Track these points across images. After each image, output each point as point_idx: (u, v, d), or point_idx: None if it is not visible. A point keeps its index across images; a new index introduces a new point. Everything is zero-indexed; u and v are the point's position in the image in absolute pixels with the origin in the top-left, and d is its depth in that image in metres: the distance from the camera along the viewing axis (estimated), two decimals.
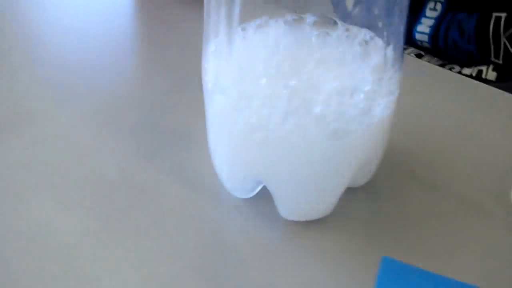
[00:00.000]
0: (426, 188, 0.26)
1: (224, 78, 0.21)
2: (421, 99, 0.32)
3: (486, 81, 0.45)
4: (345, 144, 0.21)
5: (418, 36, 0.48)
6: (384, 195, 0.26)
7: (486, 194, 0.26)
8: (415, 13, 0.47)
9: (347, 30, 0.21)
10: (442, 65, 0.47)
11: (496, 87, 0.44)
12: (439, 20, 0.47)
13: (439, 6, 0.46)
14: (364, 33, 0.21)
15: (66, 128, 0.29)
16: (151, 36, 0.39)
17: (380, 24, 0.21)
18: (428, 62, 0.48)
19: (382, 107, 0.21)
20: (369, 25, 0.21)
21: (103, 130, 0.29)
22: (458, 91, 0.34)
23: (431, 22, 0.47)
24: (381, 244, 0.23)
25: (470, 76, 0.45)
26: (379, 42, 0.21)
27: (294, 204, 0.23)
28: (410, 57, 0.45)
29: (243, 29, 0.21)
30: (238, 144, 0.22)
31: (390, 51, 0.21)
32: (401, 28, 0.21)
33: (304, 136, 0.20)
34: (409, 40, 0.49)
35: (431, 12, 0.47)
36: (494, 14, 0.44)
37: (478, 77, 0.45)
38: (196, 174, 0.26)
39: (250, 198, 0.25)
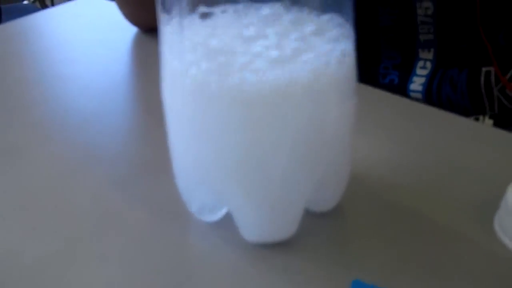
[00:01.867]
0: (399, 214, 0.25)
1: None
2: (401, 133, 0.32)
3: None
4: (301, 153, 0.21)
5: (412, 94, 0.49)
6: (355, 219, 0.24)
7: (467, 221, 0.24)
8: (406, 72, 0.49)
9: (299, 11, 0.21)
10: None
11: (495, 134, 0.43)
12: (430, 78, 0.48)
13: (428, 64, 0.48)
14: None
15: (43, 160, 0.30)
16: (131, 76, 0.41)
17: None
18: None
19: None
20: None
21: (79, 162, 0.30)
22: (439, 125, 0.33)
23: (422, 80, 0.48)
24: (350, 269, 0.22)
25: None
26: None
27: (252, 225, 0.22)
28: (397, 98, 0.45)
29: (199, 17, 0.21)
30: (195, 163, 0.22)
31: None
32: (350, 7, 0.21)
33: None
34: (405, 96, 0.50)
35: (422, 70, 0.48)
36: (484, 69, 0.45)
37: None
38: (164, 201, 0.26)
39: (217, 222, 0.24)
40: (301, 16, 0.21)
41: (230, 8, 0.21)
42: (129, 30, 0.47)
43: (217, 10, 0.21)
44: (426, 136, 0.31)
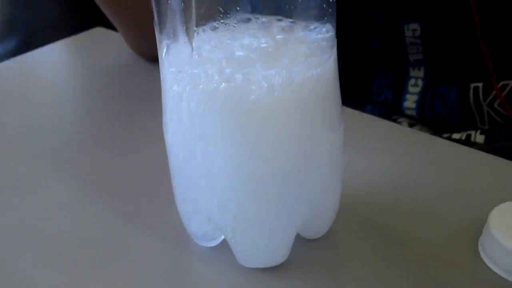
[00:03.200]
0: (389, 238, 0.26)
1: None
2: (390, 158, 0.34)
3: (475, 144, 0.46)
4: (295, 178, 0.22)
5: (406, 111, 0.51)
6: (346, 245, 0.26)
7: (455, 245, 0.26)
8: (399, 90, 0.51)
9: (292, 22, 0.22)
10: (434, 133, 0.49)
11: (485, 149, 0.45)
12: (422, 95, 0.49)
13: (420, 82, 0.50)
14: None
15: (55, 192, 0.32)
16: (136, 111, 0.43)
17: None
18: (420, 130, 0.50)
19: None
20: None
21: (87, 194, 0.32)
22: (428, 149, 0.35)
23: (415, 97, 0.50)
24: None
25: (460, 140, 0.46)
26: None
27: (246, 252, 0.24)
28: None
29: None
30: (192, 188, 0.24)
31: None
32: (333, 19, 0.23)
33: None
34: (400, 112, 0.52)
35: (414, 88, 0.50)
36: (472, 85, 0.46)
37: (467, 140, 0.46)
38: (169, 227, 0.28)
39: (215, 246, 0.26)
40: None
41: (220, 23, 0.21)
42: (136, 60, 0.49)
43: (208, 26, 0.22)
44: (414, 161, 0.33)
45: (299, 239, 0.25)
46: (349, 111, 0.38)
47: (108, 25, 0.53)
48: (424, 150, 0.34)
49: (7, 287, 0.25)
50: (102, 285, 0.25)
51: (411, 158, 0.33)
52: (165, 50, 0.23)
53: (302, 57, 0.22)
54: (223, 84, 0.21)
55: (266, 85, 0.21)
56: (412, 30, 0.45)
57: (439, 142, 0.35)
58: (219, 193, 0.23)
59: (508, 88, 0.45)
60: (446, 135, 0.47)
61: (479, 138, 0.46)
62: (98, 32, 0.56)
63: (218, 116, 0.21)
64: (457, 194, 0.29)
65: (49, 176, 0.34)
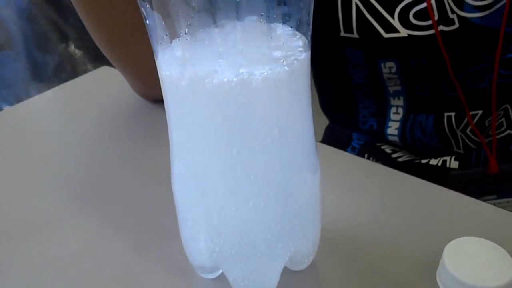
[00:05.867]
0: (362, 269, 0.31)
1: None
2: (365, 195, 0.38)
3: (450, 169, 0.50)
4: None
5: (390, 138, 0.55)
6: (326, 274, 0.31)
7: (418, 276, 0.30)
8: (382, 118, 0.55)
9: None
10: (414, 159, 0.53)
11: (459, 174, 0.49)
12: (403, 122, 0.54)
13: (400, 110, 0.54)
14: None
15: (76, 228, 0.37)
16: (149, 143, 0.47)
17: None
18: (402, 156, 0.55)
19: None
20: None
21: (104, 228, 0.36)
22: (401, 188, 0.39)
23: (397, 124, 0.55)
24: None
25: (436, 166, 0.51)
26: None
27: (240, 284, 0.29)
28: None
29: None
30: (191, 231, 0.29)
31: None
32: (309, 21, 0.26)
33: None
34: (384, 139, 0.56)
35: (395, 116, 0.55)
36: (446, 114, 0.51)
37: (443, 166, 0.50)
38: (175, 262, 0.32)
39: (215, 278, 0.31)
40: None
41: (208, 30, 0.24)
42: (139, 100, 0.53)
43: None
44: (387, 198, 0.37)
45: (285, 271, 0.29)
46: (333, 149, 0.43)
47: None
48: (399, 188, 0.39)
49: None
50: None
51: (382, 196, 0.38)
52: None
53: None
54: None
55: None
56: (388, 67, 0.50)
57: (409, 180, 0.39)
58: (218, 236, 0.27)
59: (477, 117, 0.49)
60: (424, 161, 0.52)
61: (454, 164, 0.50)
62: (105, 71, 0.61)
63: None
64: (419, 229, 0.34)
65: (68, 215, 0.38)
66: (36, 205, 0.40)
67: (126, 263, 0.33)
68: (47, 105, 0.58)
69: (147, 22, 0.25)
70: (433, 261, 0.29)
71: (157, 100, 0.53)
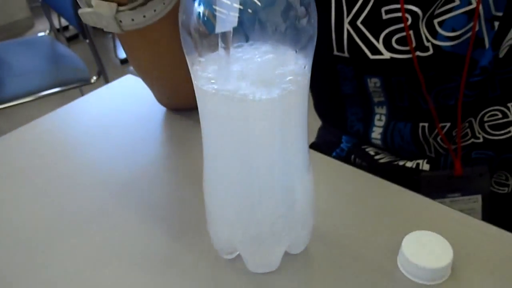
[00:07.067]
0: (344, 254, 0.40)
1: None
2: (347, 194, 0.47)
3: (423, 171, 0.59)
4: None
5: (373, 141, 0.64)
6: (317, 258, 0.40)
7: (383, 258, 0.39)
8: (367, 124, 0.64)
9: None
10: (394, 160, 0.63)
11: (429, 175, 0.59)
12: (385, 128, 0.62)
13: (383, 117, 0.62)
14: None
15: (120, 221, 0.45)
16: (174, 144, 0.55)
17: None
18: (383, 157, 0.64)
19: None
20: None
21: (145, 222, 0.45)
22: (380, 192, 0.49)
23: (380, 130, 0.63)
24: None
25: (411, 168, 0.60)
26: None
27: (252, 262, 0.38)
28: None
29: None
30: (219, 217, 0.38)
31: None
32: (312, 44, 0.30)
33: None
34: (369, 142, 0.65)
35: (379, 122, 0.63)
36: (420, 124, 0.59)
37: (417, 168, 0.60)
38: (202, 246, 0.42)
39: (233, 258, 0.40)
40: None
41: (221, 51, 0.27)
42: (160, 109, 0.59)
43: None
44: (363, 199, 0.46)
45: (286, 254, 0.39)
46: (323, 156, 0.52)
47: None
48: (369, 190, 0.48)
49: None
50: (161, 282, 0.39)
51: (360, 197, 0.47)
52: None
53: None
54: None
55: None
56: (373, 82, 0.58)
57: (384, 184, 0.48)
58: (236, 227, 0.37)
59: (446, 128, 0.58)
60: (402, 163, 0.61)
61: (425, 166, 0.59)
62: (129, 79, 0.68)
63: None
64: (385, 223, 0.43)
65: (111, 211, 0.47)
66: (82, 202, 0.48)
67: (164, 247, 0.42)
68: (76, 113, 0.61)
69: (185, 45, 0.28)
70: (395, 248, 0.39)
71: (177, 109, 0.61)
